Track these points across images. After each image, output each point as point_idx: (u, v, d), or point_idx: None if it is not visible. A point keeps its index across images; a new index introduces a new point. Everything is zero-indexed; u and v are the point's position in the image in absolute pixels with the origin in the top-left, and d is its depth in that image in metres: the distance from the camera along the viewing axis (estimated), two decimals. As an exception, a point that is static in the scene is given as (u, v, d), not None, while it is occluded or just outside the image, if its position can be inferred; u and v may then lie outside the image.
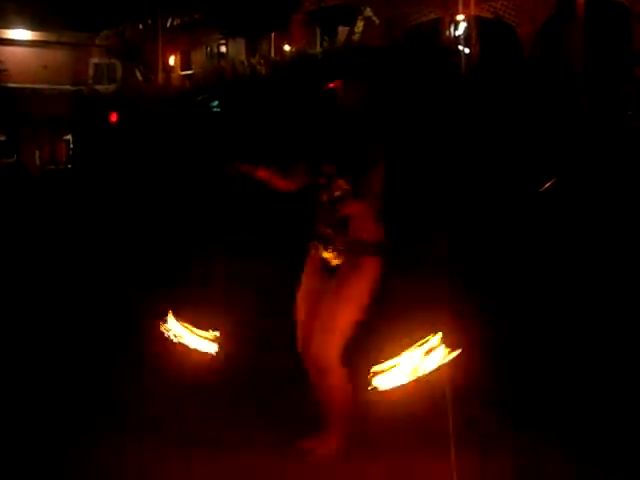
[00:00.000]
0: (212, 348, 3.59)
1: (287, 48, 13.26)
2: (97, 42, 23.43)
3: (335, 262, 3.64)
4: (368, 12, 12.51)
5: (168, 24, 19.33)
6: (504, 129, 6.39)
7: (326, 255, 3.67)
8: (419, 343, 3.26)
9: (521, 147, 6.23)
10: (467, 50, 11.51)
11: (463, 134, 6.30)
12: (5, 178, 16.89)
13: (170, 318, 3.65)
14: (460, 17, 12.19)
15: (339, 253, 3.62)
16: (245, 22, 15.56)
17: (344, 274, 3.59)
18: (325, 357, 3.57)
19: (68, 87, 21.13)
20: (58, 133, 19.47)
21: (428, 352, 3.25)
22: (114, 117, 11.54)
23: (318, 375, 3.63)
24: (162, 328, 3.64)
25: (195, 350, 3.60)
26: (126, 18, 20.04)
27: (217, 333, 3.63)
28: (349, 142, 3.62)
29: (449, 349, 3.24)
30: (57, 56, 23.81)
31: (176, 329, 3.63)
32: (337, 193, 3.61)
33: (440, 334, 3.26)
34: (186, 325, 3.64)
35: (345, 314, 3.56)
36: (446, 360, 3.24)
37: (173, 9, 18.39)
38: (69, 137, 16.64)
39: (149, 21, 19.27)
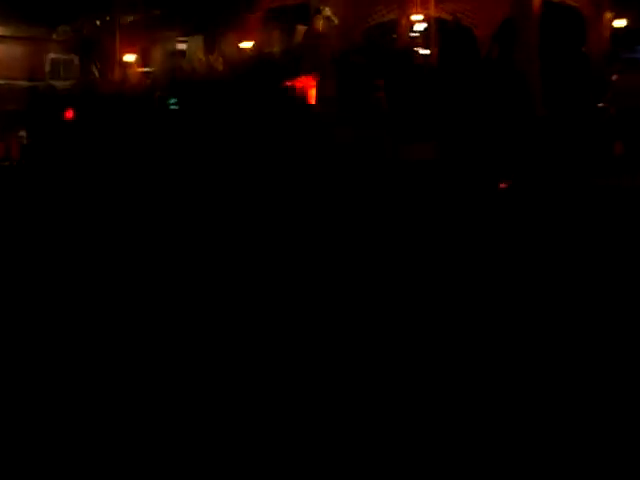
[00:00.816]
0: None
1: (245, 45, 13.25)
2: (54, 37, 23.06)
3: None
4: (327, 12, 12.50)
5: (126, 21, 19.14)
6: (461, 129, 6.44)
7: None
8: None
9: (477, 146, 6.28)
10: (427, 51, 11.61)
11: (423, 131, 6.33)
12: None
13: None
14: (418, 18, 12.27)
15: None
16: (203, 20, 15.48)
17: None
18: None
19: (24, 82, 20.77)
20: (12, 129, 19.11)
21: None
22: (70, 113, 11.40)
23: None
24: None
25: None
26: (83, 14, 19.82)
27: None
28: None
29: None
30: (12, 51, 23.38)
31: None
32: None
33: None
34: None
35: None
36: None
37: (130, 6, 18.24)
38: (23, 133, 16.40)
39: (107, 17, 19.09)
